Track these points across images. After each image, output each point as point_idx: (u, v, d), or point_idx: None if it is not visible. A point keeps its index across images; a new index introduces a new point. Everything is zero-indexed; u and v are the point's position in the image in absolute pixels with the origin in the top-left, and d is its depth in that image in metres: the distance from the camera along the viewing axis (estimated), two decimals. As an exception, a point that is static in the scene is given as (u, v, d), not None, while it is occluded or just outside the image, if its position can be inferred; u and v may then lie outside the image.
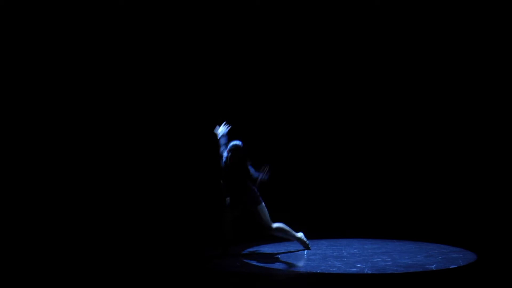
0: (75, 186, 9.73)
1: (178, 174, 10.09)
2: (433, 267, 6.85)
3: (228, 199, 7.52)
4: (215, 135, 7.82)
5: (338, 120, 10.35)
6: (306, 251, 7.77)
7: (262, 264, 7.13)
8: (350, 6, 10.15)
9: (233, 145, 7.41)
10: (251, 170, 7.40)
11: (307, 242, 7.77)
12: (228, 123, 7.87)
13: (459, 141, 10.06)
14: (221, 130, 7.80)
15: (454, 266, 6.88)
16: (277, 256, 7.61)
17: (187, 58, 10.20)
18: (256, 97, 10.24)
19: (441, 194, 9.93)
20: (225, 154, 7.48)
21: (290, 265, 7.11)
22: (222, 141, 7.72)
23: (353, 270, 6.77)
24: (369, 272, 6.66)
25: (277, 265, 7.08)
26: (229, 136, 7.71)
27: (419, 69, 10.18)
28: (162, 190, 9.97)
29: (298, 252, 7.77)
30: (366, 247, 8.11)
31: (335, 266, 6.99)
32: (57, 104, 9.85)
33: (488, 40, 9.86)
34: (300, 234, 7.74)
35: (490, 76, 9.91)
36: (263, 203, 7.48)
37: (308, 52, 10.33)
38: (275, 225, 7.55)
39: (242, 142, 7.43)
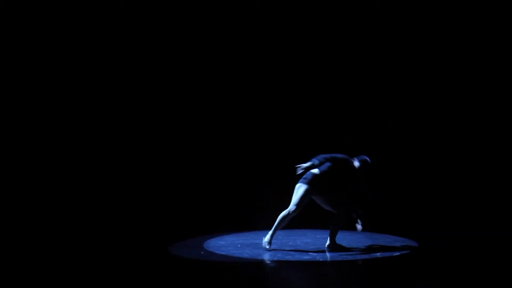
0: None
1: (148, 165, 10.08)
2: (378, 254, 7.27)
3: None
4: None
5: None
6: (264, 241, 7.92)
7: (224, 253, 7.40)
8: (350, 6, 9.97)
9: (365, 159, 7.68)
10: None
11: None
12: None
13: (406, 135, 10.04)
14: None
15: (397, 254, 7.31)
16: (237, 245, 7.89)
17: (189, 58, 10.12)
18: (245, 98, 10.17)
19: (386, 189, 9.96)
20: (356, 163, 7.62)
21: (250, 253, 7.39)
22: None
23: (306, 257, 7.17)
24: (321, 259, 7.09)
25: (238, 254, 7.36)
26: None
27: (418, 67, 10.01)
28: (127, 179, 9.95)
29: (256, 242, 7.99)
30: (318, 236, 8.44)
31: (290, 254, 7.36)
32: (54, 103, 9.85)
33: (487, 41, 9.74)
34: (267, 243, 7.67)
35: (486, 76, 9.83)
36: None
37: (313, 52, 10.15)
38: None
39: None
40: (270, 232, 7.54)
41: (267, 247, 7.53)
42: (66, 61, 9.86)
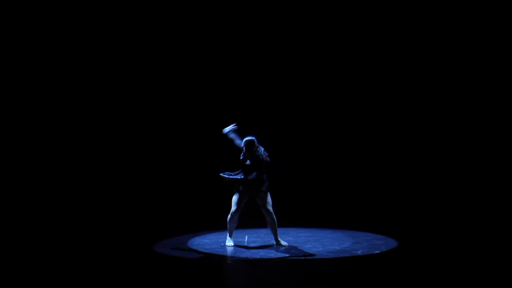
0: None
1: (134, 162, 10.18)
2: (359, 252, 7.35)
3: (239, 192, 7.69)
4: (225, 134, 7.90)
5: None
6: (247, 239, 8.12)
7: (207, 251, 7.50)
8: (350, 6, 10.01)
9: (246, 140, 7.59)
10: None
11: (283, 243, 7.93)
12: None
13: (406, 135, 10.15)
14: (229, 128, 7.90)
15: (377, 252, 7.39)
16: (221, 243, 7.96)
17: (188, 58, 10.18)
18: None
19: (366, 188, 10.19)
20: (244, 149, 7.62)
21: (232, 251, 7.49)
22: (233, 136, 7.87)
23: (288, 255, 7.27)
24: (302, 257, 7.17)
25: (221, 252, 7.46)
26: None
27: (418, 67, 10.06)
28: (113, 177, 10.06)
29: (239, 240, 8.12)
30: (300, 235, 8.57)
31: (272, 252, 7.45)
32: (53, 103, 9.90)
33: (487, 41, 9.78)
34: (284, 242, 7.87)
35: (482, 77, 9.89)
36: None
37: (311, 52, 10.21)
38: (273, 214, 7.72)
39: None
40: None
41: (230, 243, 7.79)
42: (65, 61, 9.94)
